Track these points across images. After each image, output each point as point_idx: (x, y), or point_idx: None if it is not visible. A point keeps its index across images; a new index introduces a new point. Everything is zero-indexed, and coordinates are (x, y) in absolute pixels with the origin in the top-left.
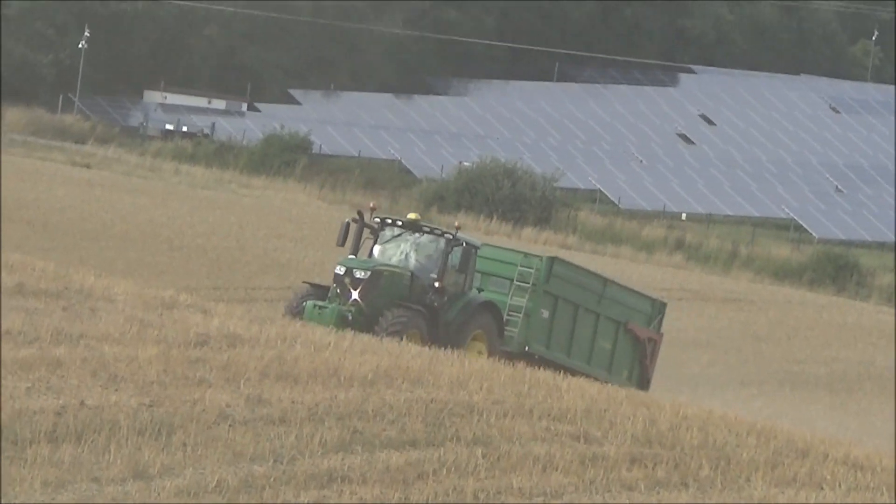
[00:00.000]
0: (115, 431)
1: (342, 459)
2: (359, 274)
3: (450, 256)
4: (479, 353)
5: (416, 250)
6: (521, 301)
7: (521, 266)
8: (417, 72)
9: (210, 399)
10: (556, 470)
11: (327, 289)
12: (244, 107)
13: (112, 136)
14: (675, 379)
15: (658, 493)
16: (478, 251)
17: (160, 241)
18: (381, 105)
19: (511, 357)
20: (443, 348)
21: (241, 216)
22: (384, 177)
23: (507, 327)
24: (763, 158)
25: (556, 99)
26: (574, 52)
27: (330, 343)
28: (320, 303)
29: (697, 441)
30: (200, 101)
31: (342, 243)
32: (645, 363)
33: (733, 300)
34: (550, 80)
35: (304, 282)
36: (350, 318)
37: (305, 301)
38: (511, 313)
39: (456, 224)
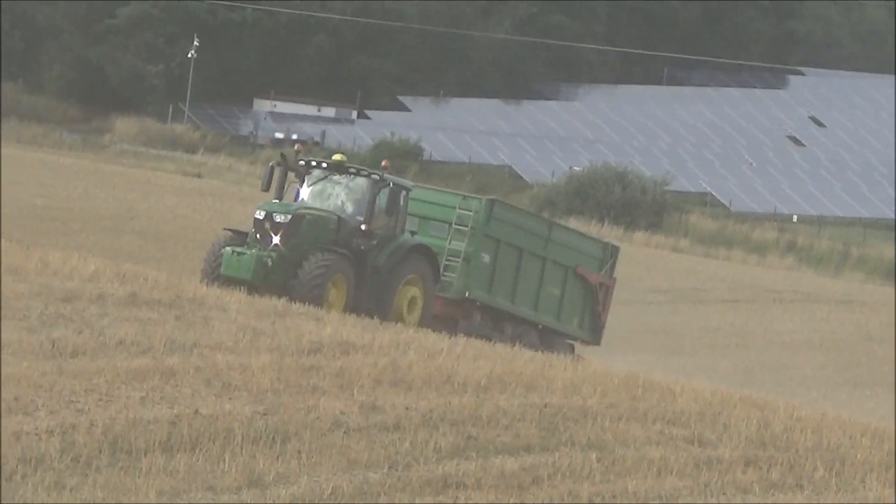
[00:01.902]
0: (229, 440)
1: (457, 465)
2: (279, 218)
3: (378, 198)
4: (413, 298)
5: (343, 193)
6: (461, 245)
7: (460, 209)
8: (526, 77)
9: (324, 406)
10: (671, 473)
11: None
12: (354, 114)
13: (222, 146)
14: (788, 381)
15: (773, 495)
16: (409, 193)
17: None
18: (491, 111)
19: (451, 304)
20: (375, 295)
21: None
22: (495, 182)
23: (445, 273)
24: (873, 159)
25: (665, 103)
26: (683, 56)
27: (443, 349)
28: (239, 248)
29: (811, 443)
30: (310, 110)
31: (266, 188)
32: (597, 310)
33: (845, 301)
34: (659, 83)
35: (224, 228)
36: (270, 263)
37: (224, 248)
38: (450, 258)
39: (383, 163)
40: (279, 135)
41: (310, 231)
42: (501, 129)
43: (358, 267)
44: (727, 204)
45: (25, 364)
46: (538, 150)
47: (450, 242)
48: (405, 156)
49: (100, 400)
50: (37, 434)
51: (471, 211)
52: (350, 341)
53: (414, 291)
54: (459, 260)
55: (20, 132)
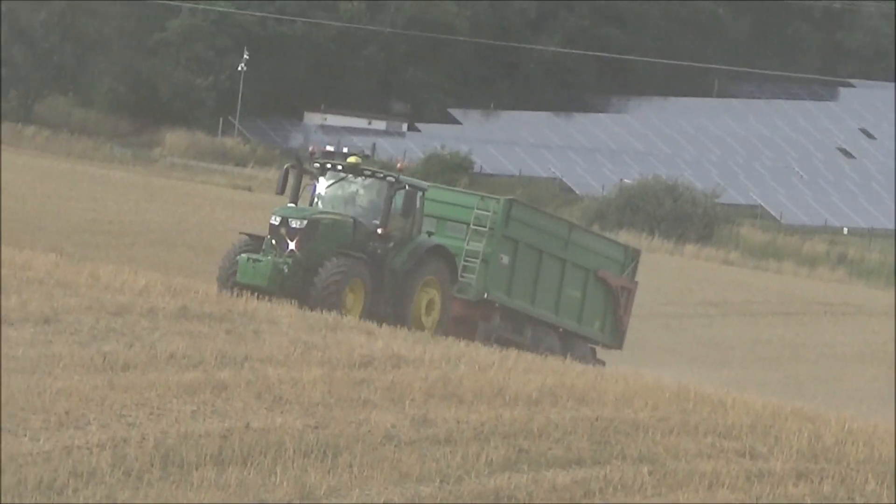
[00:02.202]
0: (280, 454)
1: (508, 479)
2: (294, 223)
3: (394, 200)
4: (431, 300)
5: (358, 195)
6: (479, 246)
7: (478, 209)
8: (577, 89)
9: (375, 420)
10: (723, 486)
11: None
12: (404, 127)
13: (273, 159)
14: (840, 393)
15: None
16: (424, 194)
17: None
18: (541, 123)
19: (469, 306)
20: (392, 298)
21: None
22: (545, 195)
23: (464, 274)
24: None
25: (715, 115)
26: (733, 68)
27: (494, 363)
28: (254, 255)
29: (863, 455)
30: (360, 123)
31: (281, 191)
32: (619, 313)
33: None
34: (710, 96)
35: (241, 232)
36: (286, 270)
37: (240, 255)
38: (468, 259)
39: (398, 165)
40: (330, 147)
41: (326, 236)
42: (552, 142)
43: (375, 271)
44: (777, 216)
45: (77, 378)
46: (588, 163)
47: (468, 243)
48: (455, 168)
49: (151, 414)
50: (88, 448)
51: (489, 211)
52: (401, 354)
53: (432, 293)
54: (478, 261)
55: (71, 146)
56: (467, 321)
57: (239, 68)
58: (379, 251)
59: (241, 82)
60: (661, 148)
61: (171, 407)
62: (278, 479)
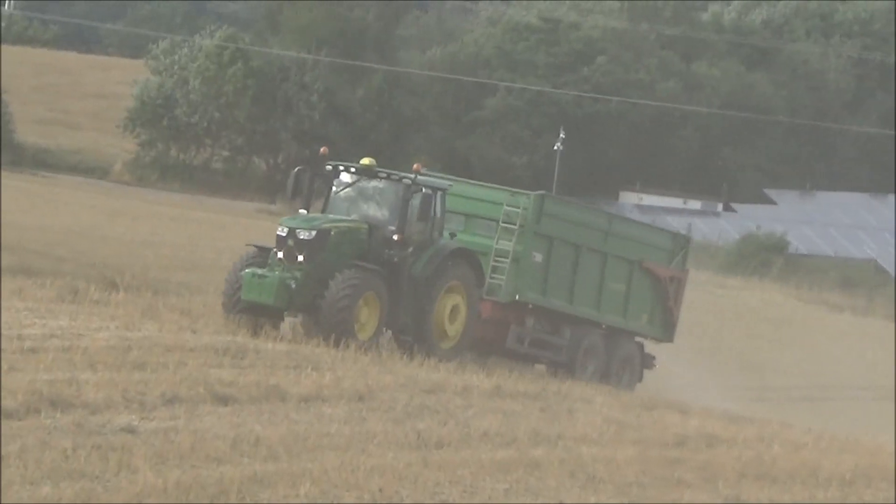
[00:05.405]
0: None
1: None
2: (303, 234)
3: (411, 204)
4: (455, 307)
5: (373, 199)
6: (509, 245)
7: (508, 206)
8: (893, 170)
9: (689, 500)
10: None
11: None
12: (720, 207)
13: None
14: None
15: None
16: (445, 194)
17: None
18: (857, 204)
19: (500, 309)
20: (412, 307)
21: (717, 315)
22: (860, 276)
23: (494, 275)
24: None
25: None
26: None
27: (808, 442)
28: (260, 271)
29: None
30: (676, 202)
31: (293, 196)
32: (668, 305)
33: None
34: None
35: (247, 244)
36: (294, 286)
37: (245, 270)
38: (498, 259)
39: (415, 166)
40: None
41: (337, 246)
42: (868, 223)
43: (391, 280)
44: None
45: (391, 455)
46: None
47: (497, 242)
48: (770, 249)
49: (464, 492)
50: None
51: (519, 207)
52: (715, 434)
53: (456, 299)
54: (508, 260)
55: None
56: (499, 324)
57: (555, 147)
58: (396, 259)
59: (557, 161)
60: None
61: (484, 485)
62: None
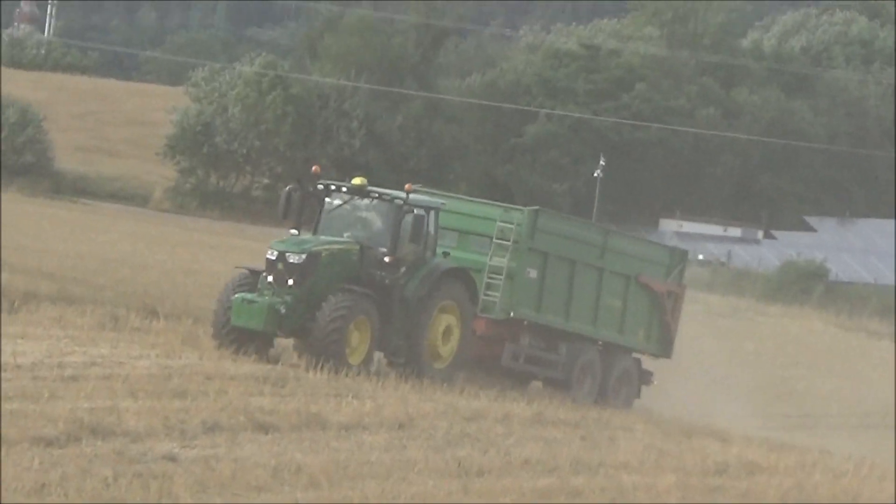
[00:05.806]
0: None
1: None
2: (293, 258)
3: (402, 224)
4: (448, 327)
5: (365, 219)
6: (503, 261)
7: (501, 222)
8: None
9: None
10: None
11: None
12: (760, 234)
13: None
14: None
15: None
16: (438, 213)
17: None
18: None
19: (495, 326)
20: (405, 329)
21: (758, 343)
22: None
23: (488, 292)
24: None
25: None
26: None
27: (849, 470)
28: (249, 296)
29: None
30: (716, 230)
31: (284, 216)
32: (665, 320)
33: None
34: None
35: (237, 266)
36: (283, 311)
37: (235, 294)
38: (492, 276)
39: (407, 186)
40: None
41: (327, 269)
42: None
43: (383, 303)
44: None
45: (431, 483)
46: None
47: (491, 258)
48: (810, 277)
49: None
50: None
51: (513, 223)
52: (755, 462)
53: (449, 320)
54: (502, 277)
55: None
56: (494, 342)
57: (595, 174)
58: (387, 281)
59: (598, 188)
60: None
61: None
62: None
